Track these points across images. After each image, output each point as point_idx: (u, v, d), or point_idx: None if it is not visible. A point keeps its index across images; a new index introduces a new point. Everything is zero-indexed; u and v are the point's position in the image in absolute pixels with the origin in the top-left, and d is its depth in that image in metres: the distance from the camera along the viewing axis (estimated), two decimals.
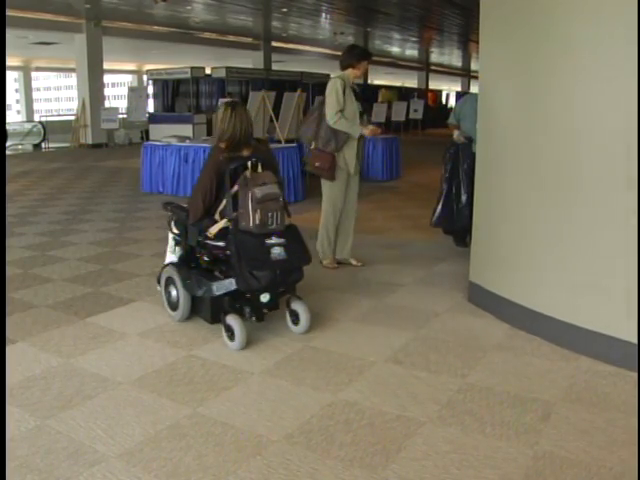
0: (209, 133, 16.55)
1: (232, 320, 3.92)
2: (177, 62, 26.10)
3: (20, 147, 21.99)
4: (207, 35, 24.32)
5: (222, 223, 4.00)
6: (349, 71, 5.46)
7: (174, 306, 4.42)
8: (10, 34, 19.92)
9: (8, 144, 21.23)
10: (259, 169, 3.95)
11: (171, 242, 4.63)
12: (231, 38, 25.29)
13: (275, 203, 3.91)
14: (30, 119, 29.37)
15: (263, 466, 2.68)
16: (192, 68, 19.80)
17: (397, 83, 40.84)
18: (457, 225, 6.23)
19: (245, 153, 4.06)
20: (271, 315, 4.23)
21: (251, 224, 3.85)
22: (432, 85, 38.39)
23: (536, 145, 4.01)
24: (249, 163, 3.93)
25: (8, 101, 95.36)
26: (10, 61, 30.55)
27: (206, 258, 4.23)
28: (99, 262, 5.96)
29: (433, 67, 38.71)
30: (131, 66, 34.98)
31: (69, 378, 3.53)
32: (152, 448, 2.83)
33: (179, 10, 19.22)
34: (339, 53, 5.77)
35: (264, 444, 2.86)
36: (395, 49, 32.41)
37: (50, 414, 3.13)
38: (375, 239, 6.55)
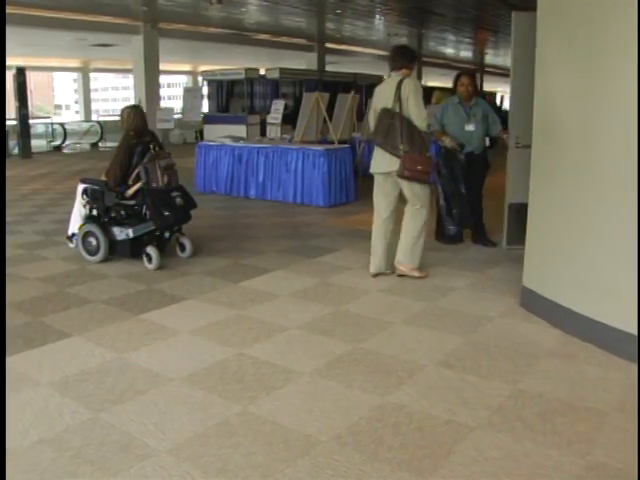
0: (262, 133, 16.64)
1: (151, 250, 5.75)
2: (231, 63, 26.34)
3: (78, 146, 22.53)
4: (261, 36, 24.48)
5: (138, 185, 5.76)
6: (404, 71, 5.37)
7: (94, 252, 5.96)
8: (70, 36, 20.46)
9: (67, 142, 21.82)
10: (157, 149, 5.80)
11: (80, 207, 6.15)
12: (285, 39, 25.39)
13: (173, 169, 5.85)
14: (88, 119, 30.03)
15: (311, 466, 2.69)
16: (246, 69, 19.93)
17: (451, 85, 40.42)
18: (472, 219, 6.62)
19: (146, 139, 5.87)
20: (312, 319, 4.21)
21: (160, 183, 5.69)
22: (487, 87, 37.85)
23: (596, 143, 3.92)
24: (151, 145, 5.79)
25: (67, 101, 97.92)
26: (70, 62, 31.42)
27: (123, 213, 5.91)
28: None
29: (487, 69, 38.22)
30: (186, 67, 35.45)
31: (122, 373, 3.61)
32: (201, 444, 2.87)
33: (234, 12, 19.38)
34: None
35: (313, 444, 2.87)
36: (449, 50, 32.08)
37: (103, 407, 3.20)
38: (426, 241, 6.47)
